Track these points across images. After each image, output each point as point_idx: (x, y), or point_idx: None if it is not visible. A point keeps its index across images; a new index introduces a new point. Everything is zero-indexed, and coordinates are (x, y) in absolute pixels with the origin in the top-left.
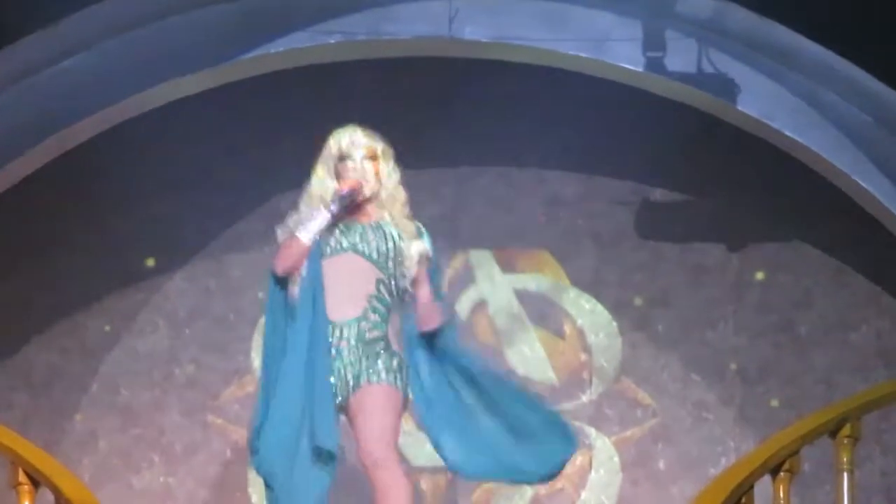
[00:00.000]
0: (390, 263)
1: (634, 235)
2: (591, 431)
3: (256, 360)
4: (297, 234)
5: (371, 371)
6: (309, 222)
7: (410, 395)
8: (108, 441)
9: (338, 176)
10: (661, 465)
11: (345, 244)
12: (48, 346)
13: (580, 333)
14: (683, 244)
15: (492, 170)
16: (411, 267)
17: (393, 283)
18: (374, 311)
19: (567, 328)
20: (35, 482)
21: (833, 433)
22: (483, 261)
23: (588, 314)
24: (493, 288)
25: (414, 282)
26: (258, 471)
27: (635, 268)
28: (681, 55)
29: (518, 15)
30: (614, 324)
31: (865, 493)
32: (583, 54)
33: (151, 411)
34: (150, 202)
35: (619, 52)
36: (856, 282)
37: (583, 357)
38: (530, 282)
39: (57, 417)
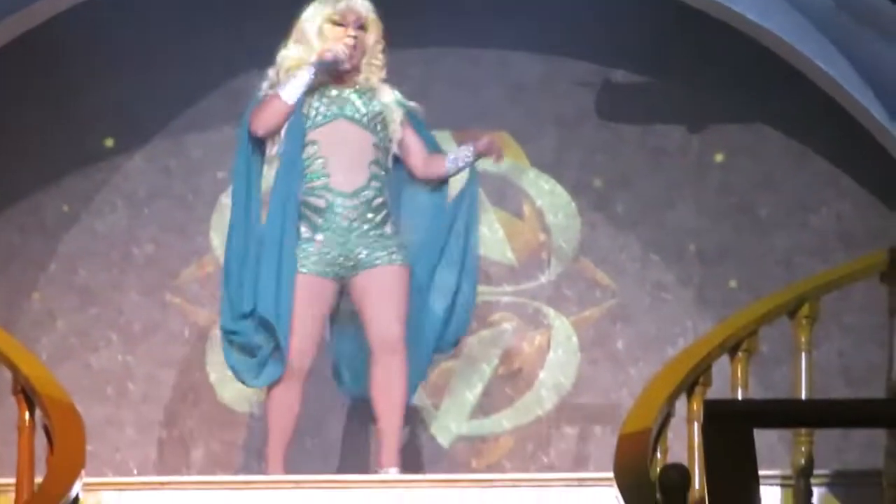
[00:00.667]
0: (378, 127)
1: (595, 117)
2: (550, 312)
3: (216, 240)
4: (280, 92)
5: (382, 251)
6: (291, 80)
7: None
8: (65, 320)
9: (322, 36)
10: (620, 345)
11: (334, 110)
12: (6, 225)
13: (539, 214)
14: (644, 126)
15: (457, 51)
16: (396, 129)
17: (385, 147)
18: (376, 177)
19: (526, 209)
20: None
21: (791, 313)
22: (443, 141)
23: (547, 195)
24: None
25: (402, 143)
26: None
27: (596, 149)
28: None
29: None
30: (573, 204)
31: (823, 373)
32: None
33: (110, 291)
34: (108, 82)
35: None
36: (816, 164)
37: (542, 237)
38: (489, 163)
39: (15, 296)
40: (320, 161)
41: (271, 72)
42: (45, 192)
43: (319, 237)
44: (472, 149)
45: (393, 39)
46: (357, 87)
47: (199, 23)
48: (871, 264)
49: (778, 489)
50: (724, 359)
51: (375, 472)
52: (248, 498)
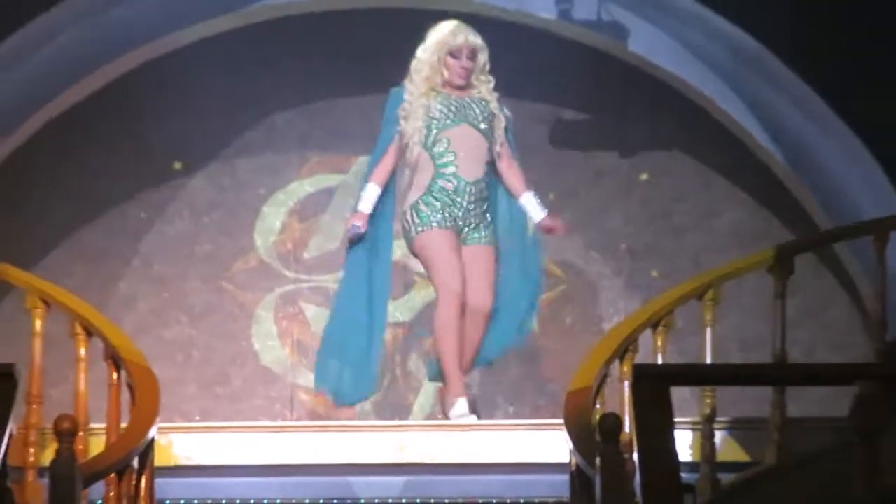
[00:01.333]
0: (491, 132)
1: (549, 146)
2: None
3: (258, 241)
4: (359, 207)
5: (481, 233)
6: (362, 202)
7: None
8: (144, 303)
9: (441, 62)
10: (568, 321)
11: (459, 117)
12: (98, 230)
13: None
14: (586, 152)
15: None
16: (501, 136)
17: (492, 148)
18: (487, 173)
19: None
20: (89, 333)
21: (700, 297)
22: None
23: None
24: None
25: (497, 145)
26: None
27: (550, 170)
28: (584, 7)
29: None
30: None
31: (723, 343)
32: (508, 6)
33: (177, 280)
34: (177, 120)
35: (537, 4)
36: (717, 182)
37: None
38: None
39: (105, 285)
40: (451, 154)
41: (400, 111)
42: (129, 204)
43: (444, 205)
44: (543, 214)
45: (383, 85)
46: (474, 96)
47: (243, 72)
48: (760, 260)
49: (689, 432)
50: (648, 332)
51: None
52: (282, 438)
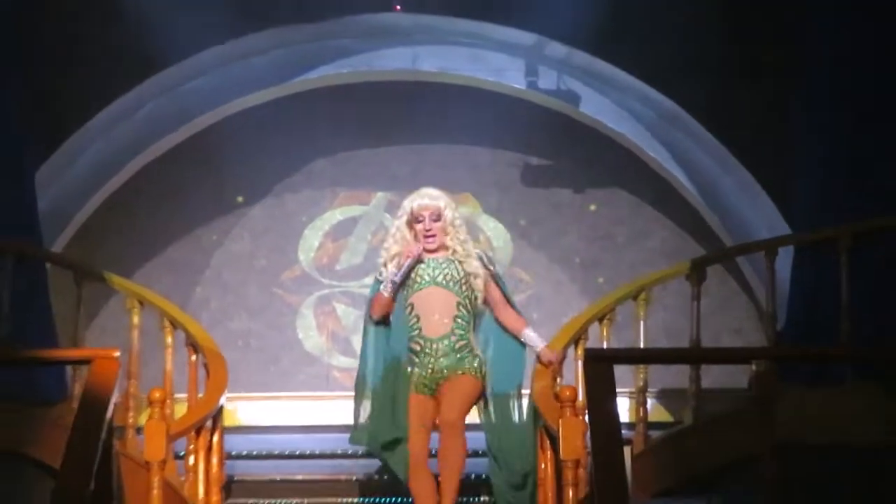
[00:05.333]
0: (463, 288)
1: (520, 184)
2: None
3: (301, 256)
4: (382, 291)
5: (460, 365)
6: (388, 283)
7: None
8: (215, 303)
9: (412, 229)
10: (535, 316)
11: (427, 279)
12: (181, 248)
13: (488, 239)
14: (548, 189)
15: (438, 146)
16: (479, 288)
17: (468, 302)
18: (458, 327)
19: (481, 236)
20: (174, 325)
21: (634, 297)
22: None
23: (493, 229)
24: None
25: (487, 295)
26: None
27: (520, 203)
28: (546, 79)
29: (451, 57)
30: (508, 234)
31: (653, 333)
32: (489, 78)
33: (240, 286)
34: (240, 165)
35: (511, 77)
36: (648, 211)
37: (490, 253)
38: (460, 211)
39: (186, 290)
40: (415, 318)
41: (380, 261)
42: (203, 229)
43: (417, 369)
44: (541, 347)
45: (394, 139)
46: (448, 256)
47: (288, 129)
48: (680, 270)
49: (627, 400)
50: (596, 325)
51: None
52: (320, 405)
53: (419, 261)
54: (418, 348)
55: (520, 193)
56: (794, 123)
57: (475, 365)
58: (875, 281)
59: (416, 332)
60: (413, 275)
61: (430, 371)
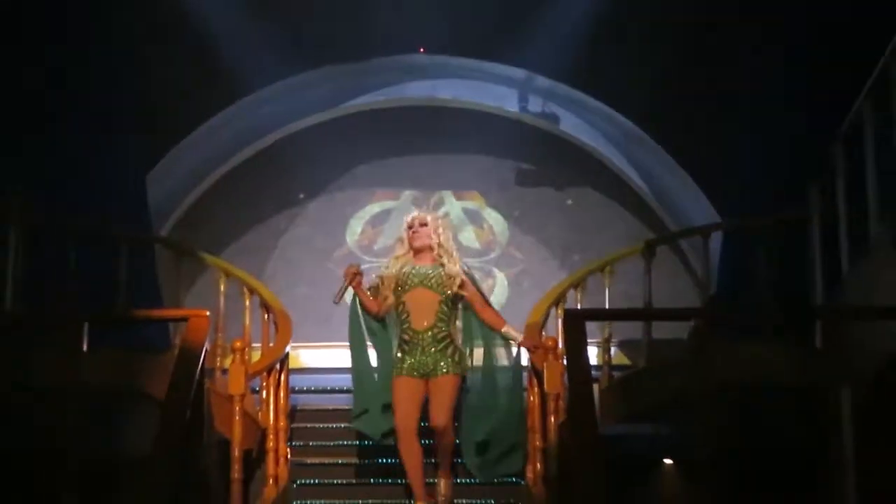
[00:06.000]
0: (444, 289)
1: (514, 184)
2: (495, 270)
3: (348, 239)
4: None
5: (443, 365)
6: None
7: (466, 374)
8: (282, 276)
9: (406, 235)
10: (525, 285)
11: (416, 282)
12: (256, 234)
13: (490, 227)
14: (535, 188)
15: (452, 156)
16: (455, 289)
17: (448, 300)
18: (440, 320)
19: (484, 225)
20: (251, 292)
21: (602, 271)
22: (448, 197)
23: (494, 219)
24: (452, 207)
25: (467, 295)
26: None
27: (514, 199)
28: (534, 104)
29: (461, 88)
30: (505, 223)
31: (615, 297)
32: (491, 104)
33: (301, 263)
34: (302, 170)
35: (507, 102)
36: (614, 208)
37: (491, 238)
38: (469, 205)
39: (259, 265)
40: (406, 313)
41: (385, 262)
42: (272, 219)
43: (407, 357)
44: (521, 338)
45: (417, 150)
46: (433, 262)
47: (339, 142)
48: (636, 250)
49: (595, 348)
50: (572, 291)
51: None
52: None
53: (352, 282)
54: (408, 338)
55: (514, 191)
56: (726, 139)
57: (455, 359)
58: (782, 258)
59: (407, 325)
60: (405, 278)
61: (418, 356)
